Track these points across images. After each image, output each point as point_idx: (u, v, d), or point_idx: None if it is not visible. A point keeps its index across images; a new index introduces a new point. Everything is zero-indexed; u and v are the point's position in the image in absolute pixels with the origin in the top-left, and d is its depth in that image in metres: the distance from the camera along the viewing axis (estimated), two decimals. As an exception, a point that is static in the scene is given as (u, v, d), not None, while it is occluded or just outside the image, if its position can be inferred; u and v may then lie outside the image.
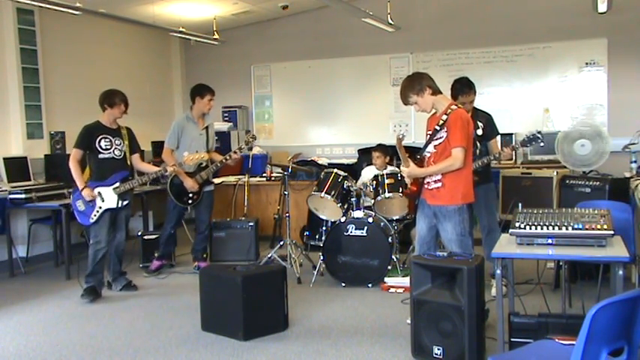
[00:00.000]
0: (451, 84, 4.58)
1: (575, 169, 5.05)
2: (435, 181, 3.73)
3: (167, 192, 5.43)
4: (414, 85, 3.73)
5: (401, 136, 3.96)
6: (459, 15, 7.59)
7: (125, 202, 4.85)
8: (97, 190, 4.76)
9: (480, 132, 4.54)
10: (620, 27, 6.78)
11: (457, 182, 3.69)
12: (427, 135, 3.84)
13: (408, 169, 3.79)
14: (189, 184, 5.31)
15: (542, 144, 4.47)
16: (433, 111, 3.82)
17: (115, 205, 4.78)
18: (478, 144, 4.53)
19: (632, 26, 6.76)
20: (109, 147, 4.82)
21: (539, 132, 4.35)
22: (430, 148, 3.78)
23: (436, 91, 3.74)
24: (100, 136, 4.80)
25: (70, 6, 5.37)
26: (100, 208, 4.77)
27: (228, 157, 5.34)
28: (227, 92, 8.86)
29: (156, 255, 5.64)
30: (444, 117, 3.68)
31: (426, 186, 3.81)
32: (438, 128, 3.70)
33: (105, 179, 4.79)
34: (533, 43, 7.25)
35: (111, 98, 4.84)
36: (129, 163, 4.95)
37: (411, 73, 8.12)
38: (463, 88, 4.48)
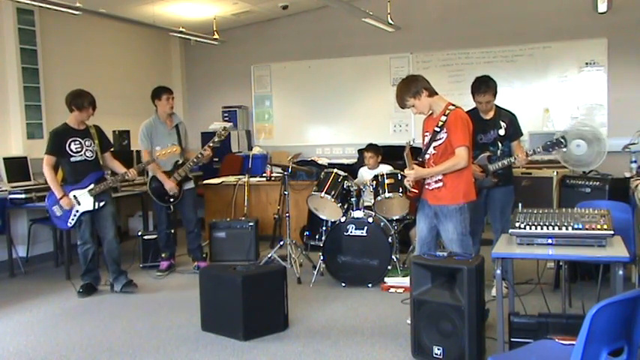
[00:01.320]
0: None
1: (575, 169, 5.05)
2: (436, 181, 3.73)
3: (150, 194, 5.42)
4: (410, 88, 3.71)
5: (410, 144, 3.94)
6: (459, 15, 7.59)
7: (102, 203, 4.81)
8: (72, 193, 4.76)
9: (502, 132, 4.45)
10: (620, 27, 6.78)
11: (458, 181, 3.69)
12: (424, 137, 3.83)
13: (414, 172, 3.76)
14: (169, 185, 5.29)
15: (564, 149, 4.31)
16: (430, 112, 3.82)
17: (91, 208, 4.78)
18: (500, 144, 4.46)
19: (632, 26, 6.76)
20: (79, 149, 4.78)
21: (563, 137, 4.18)
22: (430, 149, 3.77)
23: (432, 93, 3.73)
24: (70, 139, 4.75)
25: (70, 6, 5.37)
26: (77, 211, 4.77)
27: (200, 155, 5.29)
28: (227, 92, 8.89)
29: (163, 256, 5.64)
30: (443, 118, 3.67)
31: (426, 186, 3.80)
32: (437, 129, 3.69)
33: (79, 182, 4.78)
34: (533, 43, 7.24)
35: (79, 101, 4.76)
36: (102, 162, 4.92)
37: (411, 73, 8.16)
38: (480, 86, 4.40)
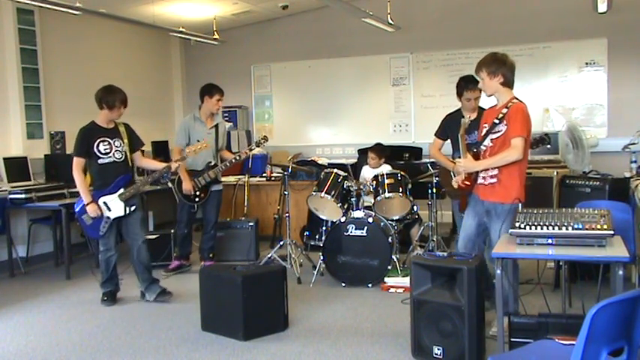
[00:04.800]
0: (456, 82, 4.55)
1: (575, 168, 5.06)
2: (491, 176, 3.59)
3: (174, 191, 5.40)
4: (492, 64, 3.58)
5: (467, 122, 3.79)
6: (459, 15, 7.59)
7: (132, 208, 4.57)
8: (101, 200, 4.50)
9: (484, 133, 4.49)
10: (620, 27, 6.78)
11: (513, 179, 3.56)
12: (483, 128, 3.71)
13: (464, 162, 3.65)
14: (187, 186, 5.26)
15: (549, 146, 4.41)
16: (494, 103, 3.70)
17: (122, 213, 4.52)
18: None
19: (632, 26, 6.76)
20: (108, 151, 4.49)
21: (546, 134, 4.29)
22: (487, 141, 3.64)
23: (507, 83, 3.60)
24: (98, 140, 4.47)
25: (70, 6, 5.37)
26: (109, 218, 4.52)
27: (238, 157, 5.36)
28: (227, 92, 8.71)
29: (174, 255, 5.64)
30: (504, 110, 3.55)
31: (481, 181, 3.65)
32: (497, 122, 3.57)
33: (107, 185, 4.50)
34: (533, 43, 7.24)
35: (110, 99, 4.47)
36: (130, 164, 4.68)
37: (410, 73, 8.12)
38: (468, 84, 4.44)
